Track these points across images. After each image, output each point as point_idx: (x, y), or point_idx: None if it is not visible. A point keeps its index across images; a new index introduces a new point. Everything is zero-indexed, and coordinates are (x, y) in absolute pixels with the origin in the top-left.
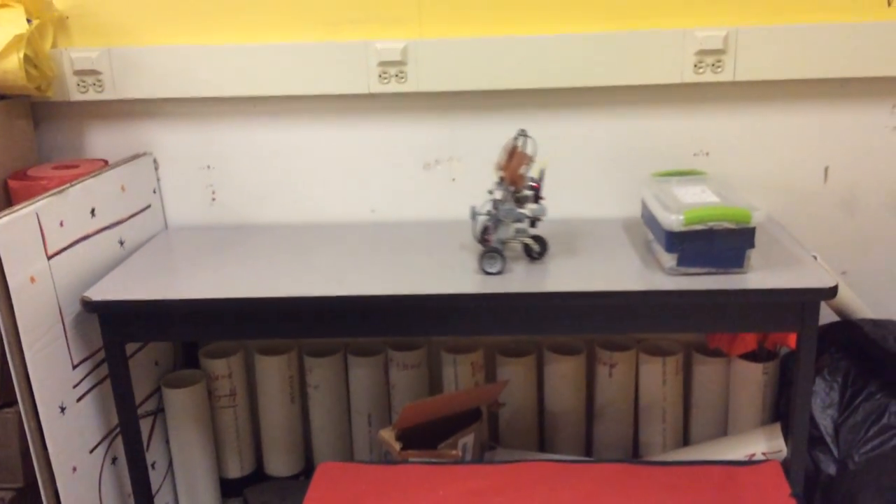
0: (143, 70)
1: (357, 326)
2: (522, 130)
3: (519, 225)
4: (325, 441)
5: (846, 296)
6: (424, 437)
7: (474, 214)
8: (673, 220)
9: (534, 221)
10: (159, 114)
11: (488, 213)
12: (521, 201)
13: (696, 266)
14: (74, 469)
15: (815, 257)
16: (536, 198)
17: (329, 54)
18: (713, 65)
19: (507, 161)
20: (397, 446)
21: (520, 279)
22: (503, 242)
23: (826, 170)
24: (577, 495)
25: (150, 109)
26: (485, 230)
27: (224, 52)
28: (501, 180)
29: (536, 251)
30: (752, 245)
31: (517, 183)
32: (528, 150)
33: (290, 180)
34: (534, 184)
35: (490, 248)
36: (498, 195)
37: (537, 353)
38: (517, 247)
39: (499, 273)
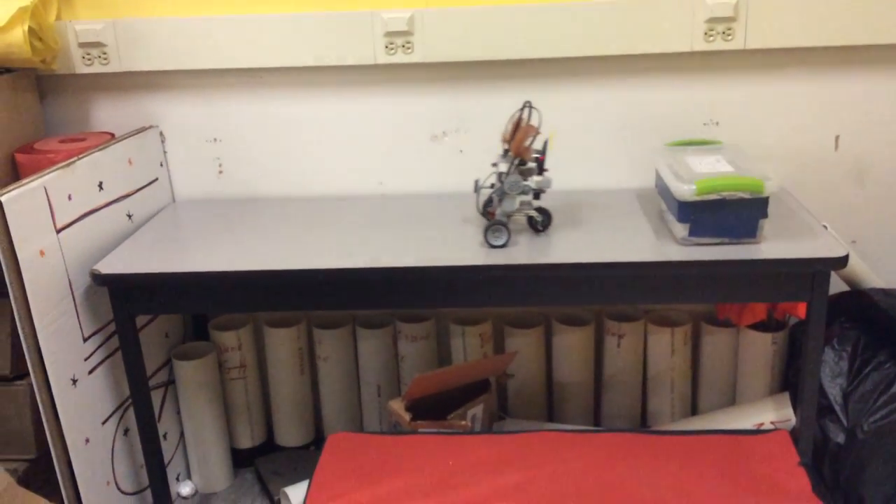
0: (148, 42)
1: (366, 299)
2: (528, 102)
3: (524, 197)
4: (335, 412)
5: (856, 265)
6: (434, 408)
7: (478, 187)
8: (685, 190)
9: (538, 193)
10: (165, 86)
11: (492, 186)
12: (525, 174)
13: (709, 236)
14: (87, 440)
15: (825, 227)
16: (541, 169)
17: (335, 25)
18: (724, 32)
19: (512, 133)
20: (407, 417)
21: (524, 251)
22: (508, 215)
23: (837, 138)
24: (586, 464)
25: (156, 82)
26: (488, 203)
27: (230, 23)
28: (506, 152)
29: (541, 223)
30: (765, 215)
31: (523, 155)
32: (534, 122)
33: (297, 152)
34: (539, 155)
35: (495, 221)
36: (502, 167)
37: (546, 325)
38: (522, 219)
39: (504, 246)
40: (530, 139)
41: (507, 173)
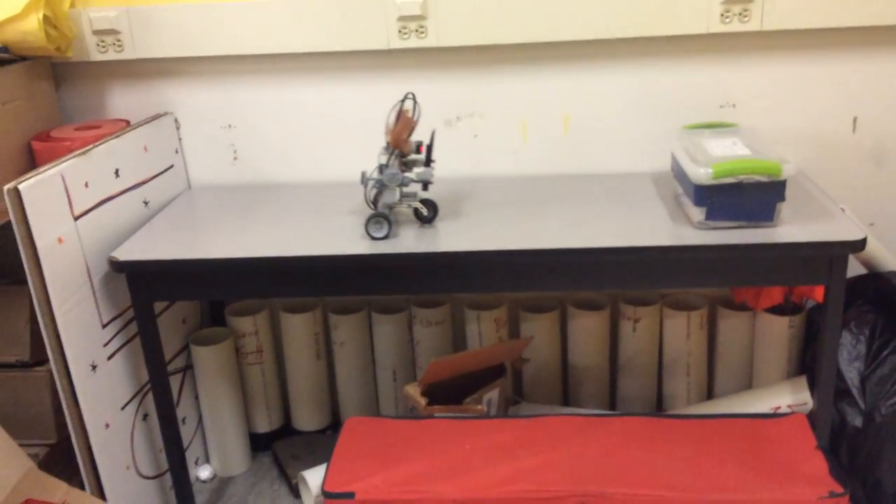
0: (161, 29)
1: (381, 284)
2: (410, 93)
3: (406, 189)
4: (352, 396)
5: (874, 248)
6: (449, 393)
7: (364, 179)
8: (702, 174)
9: (426, 185)
10: (179, 73)
11: (376, 179)
12: (409, 165)
13: (726, 220)
14: (107, 425)
15: (843, 209)
16: (428, 161)
17: (348, 9)
18: (740, 14)
19: (395, 125)
20: (423, 401)
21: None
22: (390, 207)
23: (854, 120)
24: (602, 448)
25: (170, 69)
26: (376, 195)
27: (243, 9)
28: (388, 145)
29: (426, 215)
30: (782, 198)
31: (401, 147)
32: (415, 115)
33: (311, 138)
34: (421, 147)
35: (376, 213)
36: (383, 159)
37: (561, 309)
38: (407, 211)
39: (385, 238)
40: (408, 132)
41: (387, 165)
